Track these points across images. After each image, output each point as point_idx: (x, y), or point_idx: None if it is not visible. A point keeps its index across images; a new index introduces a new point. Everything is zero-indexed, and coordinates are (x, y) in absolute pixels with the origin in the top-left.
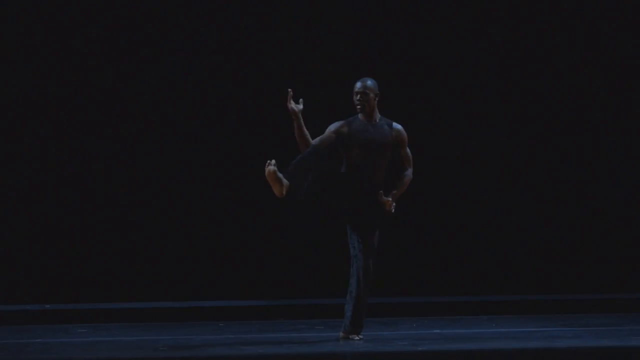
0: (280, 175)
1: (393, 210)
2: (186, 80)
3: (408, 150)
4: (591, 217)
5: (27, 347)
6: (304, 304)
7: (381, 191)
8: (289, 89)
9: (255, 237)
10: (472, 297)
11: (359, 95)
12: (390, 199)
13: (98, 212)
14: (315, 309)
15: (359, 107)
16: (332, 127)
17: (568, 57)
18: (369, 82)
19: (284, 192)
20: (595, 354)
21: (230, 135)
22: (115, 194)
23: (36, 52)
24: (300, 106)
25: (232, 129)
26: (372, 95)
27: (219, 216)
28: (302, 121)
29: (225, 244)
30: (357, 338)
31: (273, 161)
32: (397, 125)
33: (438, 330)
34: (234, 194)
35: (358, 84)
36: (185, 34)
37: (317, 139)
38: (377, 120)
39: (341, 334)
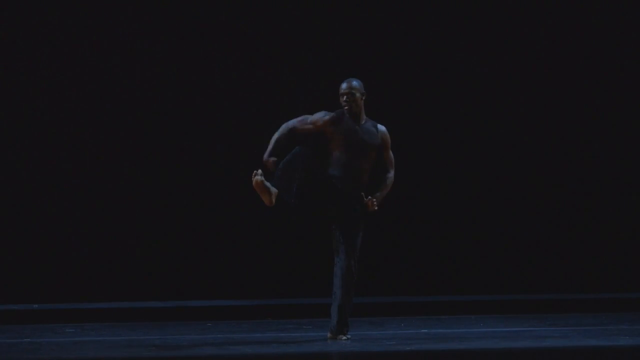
0: (267, 184)
1: (376, 208)
2: (183, 83)
3: (391, 152)
4: (578, 218)
5: (16, 346)
6: (291, 304)
7: (362, 193)
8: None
9: (243, 237)
10: (460, 296)
11: (345, 96)
12: (373, 199)
13: (86, 213)
14: (303, 308)
15: (346, 108)
16: (316, 118)
17: (567, 53)
18: (355, 83)
19: (274, 201)
20: (582, 353)
21: (218, 136)
22: (102, 195)
23: (35, 51)
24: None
25: (220, 128)
26: (358, 95)
27: (207, 216)
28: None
29: (213, 244)
30: (344, 338)
31: (259, 171)
32: (382, 127)
33: (426, 330)
34: (221, 195)
35: (344, 85)
36: (181, 34)
37: (291, 123)
38: (364, 122)
39: (329, 334)
